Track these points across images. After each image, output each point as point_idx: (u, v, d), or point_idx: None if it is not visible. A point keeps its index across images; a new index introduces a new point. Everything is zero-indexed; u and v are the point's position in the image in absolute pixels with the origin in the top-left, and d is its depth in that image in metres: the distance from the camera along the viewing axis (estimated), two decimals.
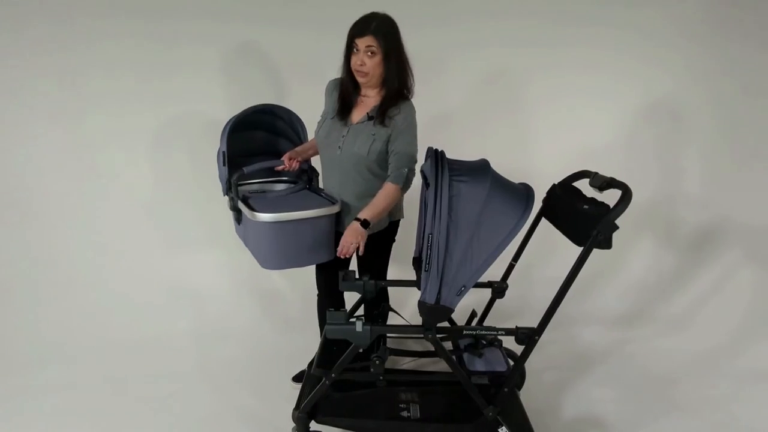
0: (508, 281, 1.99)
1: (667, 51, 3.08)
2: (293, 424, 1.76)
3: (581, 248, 1.51)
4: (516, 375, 1.64)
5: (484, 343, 1.81)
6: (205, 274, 3.14)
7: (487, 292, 2.00)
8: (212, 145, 2.12)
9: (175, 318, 2.92)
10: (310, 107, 2.14)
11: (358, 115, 1.95)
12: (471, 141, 3.03)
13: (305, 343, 2.48)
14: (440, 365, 1.80)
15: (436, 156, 1.54)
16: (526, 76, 3.19)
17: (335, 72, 1.97)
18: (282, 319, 2.98)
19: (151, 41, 2.88)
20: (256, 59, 3.02)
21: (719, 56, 3.04)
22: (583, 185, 1.75)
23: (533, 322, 1.61)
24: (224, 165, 1.99)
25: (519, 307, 2.76)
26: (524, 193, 1.57)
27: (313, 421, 1.76)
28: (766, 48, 2.95)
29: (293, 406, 1.80)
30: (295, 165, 2.02)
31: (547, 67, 3.15)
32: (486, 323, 2.04)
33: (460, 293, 1.52)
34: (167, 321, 2.89)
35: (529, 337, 1.58)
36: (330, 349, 1.84)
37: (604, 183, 1.58)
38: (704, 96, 3.10)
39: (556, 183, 1.84)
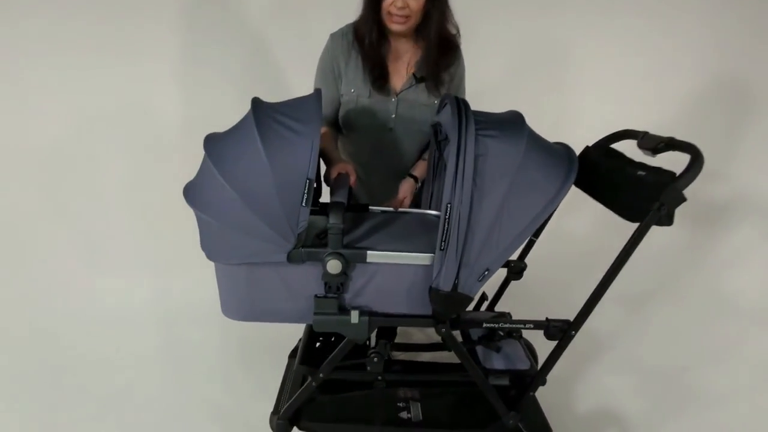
0: (526, 260, 1.69)
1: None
2: (271, 431, 1.46)
3: (633, 224, 1.21)
4: (544, 376, 1.36)
5: (501, 334, 1.52)
6: (168, 242, 2.74)
7: (500, 272, 1.70)
8: None
9: (132, 292, 2.55)
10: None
11: (397, 78, 1.61)
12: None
13: (290, 326, 2.16)
14: (448, 355, 1.52)
15: (458, 104, 1.21)
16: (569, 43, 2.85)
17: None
18: None
19: None
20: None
21: None
22: (626, 148, 1.44)
23: (555, 309, 1.32)
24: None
25: (537, 291, 2.43)
26: (564, 154, 1.26)
27: (295, 428, 1.47)
28: None
29: (272, 403, 1.49)
30: (353, 178, 1.49)
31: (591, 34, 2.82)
32: (498, 308, 1.76)
33: (483, 278, 1.22)
34: (124, 296, 2.52)
35: (563, 332, 1.30)
36: (316, 342, 1.53)
37: (661, 144, 1.27)
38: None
39: (590, 145, 1.53)
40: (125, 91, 2.72)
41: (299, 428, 1.47)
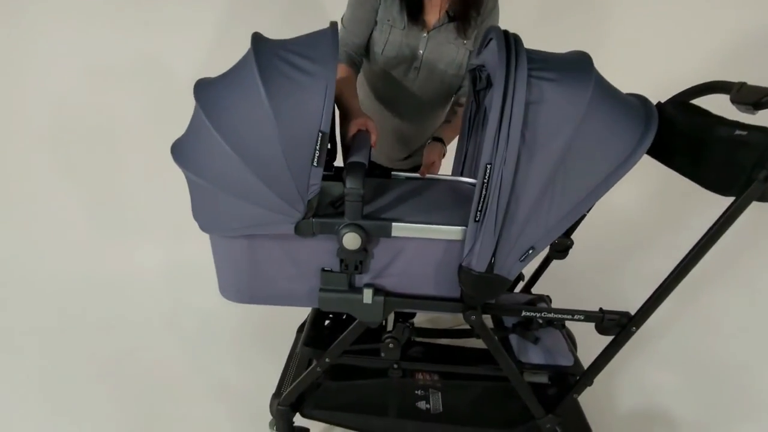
0: (574, 236, 1.44)
1: None
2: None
3: (727, 197, 0.95)
4: (593, 377, 1.14)
5: (540, 322, 1.30)
6: (181, 204, 2.58)
7: None
8: None
9: (142, 256, 2.42)
10: None
11: (432, 14, 1.40)
12: None
13: None
14: (478, 340, 1.31)
15: (506, 37, 0.95)
16: None
17: None
18: None
19: None
20: None
21: None
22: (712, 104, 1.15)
23: (598, 295, 1.09)
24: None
25: (579, 272, 2.13)
26: (640, 107, 0.99)
27: (298, 414, 1.30)
28: None
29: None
30: (375, 137, 1.22)
31: None
32: (536, 290, 1.52)
33: (525, 258, 0.99)
34: (132, 259, 2.39)
35: (622, 327, 1.06)
36: (325, 320, 1.35)
37: (765, 97, 0.98)
38: None
39: (663, 101, 1.24)
40: (142, 44, 2.51)
41: (302, 415, 1.31)
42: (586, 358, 1.20)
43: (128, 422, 1.60)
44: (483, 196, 0.92)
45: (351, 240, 0.99)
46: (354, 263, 1.03)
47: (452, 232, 1.01)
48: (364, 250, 1.01)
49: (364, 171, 0.97)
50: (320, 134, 0.91)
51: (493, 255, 0.97)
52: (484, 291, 1.02)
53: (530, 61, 0.91)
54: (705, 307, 2.19)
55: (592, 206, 1.03)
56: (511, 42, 0.93)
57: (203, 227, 1.03)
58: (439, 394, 1.41)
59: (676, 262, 1.02)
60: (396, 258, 1.05)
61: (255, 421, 1.50)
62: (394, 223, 1.00)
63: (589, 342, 1.19)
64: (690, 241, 1.02)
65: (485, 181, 0.91)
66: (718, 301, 2.22)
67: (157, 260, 2.38)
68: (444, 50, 1.43)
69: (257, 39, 1.00)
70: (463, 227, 0.99)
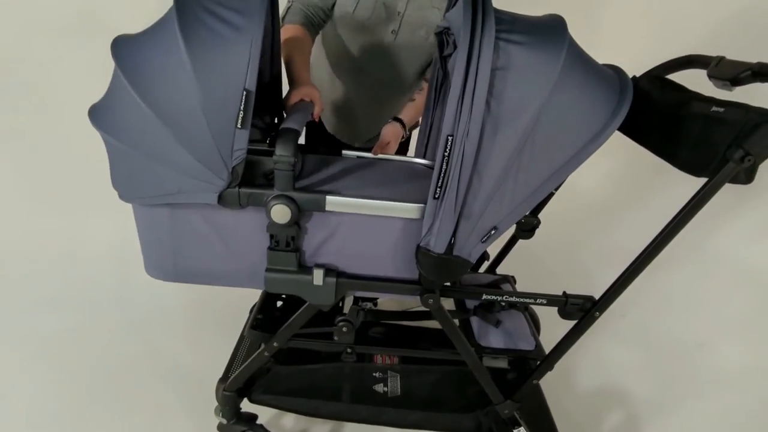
0: (540, 215, 1.38)
1: None
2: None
3: (699, 178, 0.90)
4: (554, 363, 1.09)
5: (503, 304, 1.24)
6: None
7: None
8: None
9: (80, 228, 2.25)
10: None
11: None
12: None
13: None
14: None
15: None
16: None
17: None
18: None
19: None
20: None
21: None
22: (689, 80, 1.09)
23: (564, 276, 1.04)
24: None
25: (544, 251, 2.05)
26: (615, 78, 0.92)
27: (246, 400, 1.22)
28: None
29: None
30: (319, 110, 1.14)
31: None
32: (500, 271, 1.47)
33: (487, 239, 0.92)
34: (70, 232, 2.23)
35: (585, 312, 1.02)
36: (276, 301, 1.26)
37: (746, 72, 0.92)
38: None
39: (638, 75, 1.17)
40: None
41: (251, 401, 1.23)
42: (551, 338, 1.16)
43: (71, 405, 1.50)
44: (443, 170, 0.84)
45: (280, 213, 0.90)
46: (285, 239, 0.95)
47: (402, 209, 0.93)
48: (296, 224, 0.93)
49: (297, 138, 0.89)
50: (245, 92, 0.82)
51: (453, 235, 0.89)
52: (442, 273, 0.95)
53: (499, 22, 0.82)
54: (664, 287, 2.19)
55: (561, 184, 0.96)
56: (478, 0, 0.84)
57: (122, 195, 0.93)
58: (398, 376, 1.36)
59: (643, 242, 0.97)
60: (332, 235, 0.96)
61: (210, 405, 1.42)
62: (328, 197, 0.91)
63: (554, 321, 1.15)
64: (658, 222, 0.97)
65: (446, 154, 0.83)
66: (676, 279, 2.23)
67: (104, 235, 2.23)
68: (427, 15, 1.32)
69: None
70: (420, 205, 0.91)
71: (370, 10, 1.31)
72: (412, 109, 1.42)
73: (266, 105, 1.17)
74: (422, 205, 0.91)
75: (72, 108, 2.32)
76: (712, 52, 0.99)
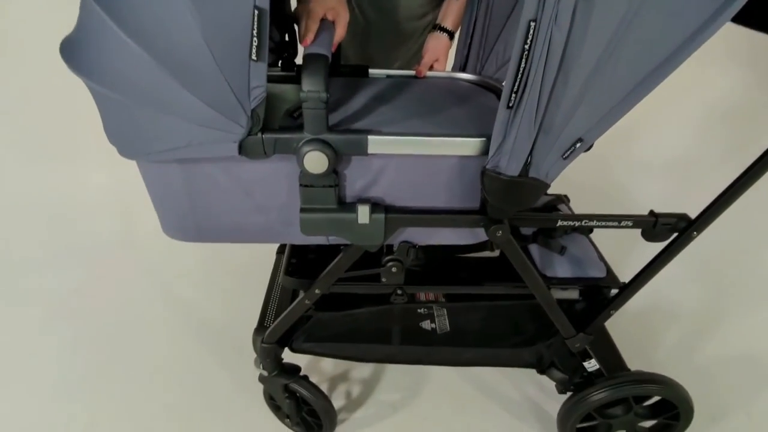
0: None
1: None
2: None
3: None
4: (637, 290, 0.97)
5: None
6: None
7: None
8: None
9: (80, 174, 2.08)
10: None
11: None
12: None
13: None
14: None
15: None
16: None
17: None
18: None
19: None
20: None
21: None
22: None
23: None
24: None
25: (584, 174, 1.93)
26: None
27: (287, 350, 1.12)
28: None
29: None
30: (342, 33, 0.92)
31: None
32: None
33: (571, 154, 0.75)
34: (71, 179, 2.06)
35: (681, 231, 0.87)
36: (307, 247, 1.12)
37: None
38: None
39: None
40: None
41: (292, 350, 1.13)
42: None
43: (99, 359, 1.43)
44: (521, 70, 0.65)
45: (315, 161, 0.74)
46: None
47: (460, 145, 0.76)
48: (334, 172, 0.77)
49: (327, 65, 0.70)
50: (256, 12, 0.62)
51: (530, 153, 0.72)
52: (514, 200, 0.79)
53: None
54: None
55: (656, 86, 0.77)
56: None
57: (122, 152, 0.76)
58: (445, 311, 1.25)
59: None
60: (377, 180, 0.81)
61: (239, 354, 1.34)
62: (370, 136, 0.74)
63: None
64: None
65: (526, 47, 0.64)
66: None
67: (106, 180, 2.07)
68: None
69: None
70: (482, 139, 0.75)
71: None
72: (456, 14, 1.15)
73: (273, 17, 0.96)
74: (484, 139, 0.75)
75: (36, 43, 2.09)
76: None
